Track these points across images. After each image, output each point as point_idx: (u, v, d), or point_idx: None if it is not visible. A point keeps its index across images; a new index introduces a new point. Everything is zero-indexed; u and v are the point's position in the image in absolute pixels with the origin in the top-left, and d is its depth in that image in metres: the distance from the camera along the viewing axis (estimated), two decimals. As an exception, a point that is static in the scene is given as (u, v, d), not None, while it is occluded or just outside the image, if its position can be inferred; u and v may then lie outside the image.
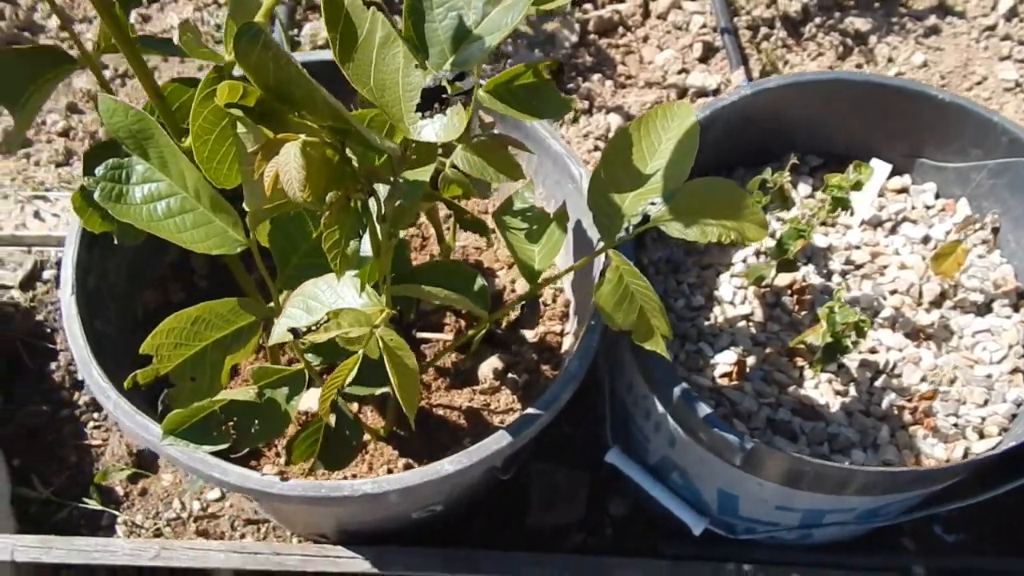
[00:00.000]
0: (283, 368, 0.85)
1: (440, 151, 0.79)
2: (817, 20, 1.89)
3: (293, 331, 0.69)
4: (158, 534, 1.31)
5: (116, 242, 0.85)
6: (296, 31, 1.84)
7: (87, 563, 1.17)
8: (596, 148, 1.72)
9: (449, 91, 0.49)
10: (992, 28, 1.84)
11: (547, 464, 1.38)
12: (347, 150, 0.60)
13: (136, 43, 0.75)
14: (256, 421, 0.84)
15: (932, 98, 1.09)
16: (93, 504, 1.32)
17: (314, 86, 0.55)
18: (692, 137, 0.78)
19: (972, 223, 1.12)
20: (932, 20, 1.86)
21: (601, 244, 0.81)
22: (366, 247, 0.73)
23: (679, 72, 1.84)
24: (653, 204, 0.76)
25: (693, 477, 1.09)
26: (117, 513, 1.32)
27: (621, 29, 1.91)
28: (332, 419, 0.80)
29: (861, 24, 1.87)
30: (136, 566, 1.17)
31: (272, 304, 0.87)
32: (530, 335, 1.18)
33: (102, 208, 0.76)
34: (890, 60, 1.83)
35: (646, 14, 1.94)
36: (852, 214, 1.06)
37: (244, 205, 0.70)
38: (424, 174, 0.77)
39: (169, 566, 1.17)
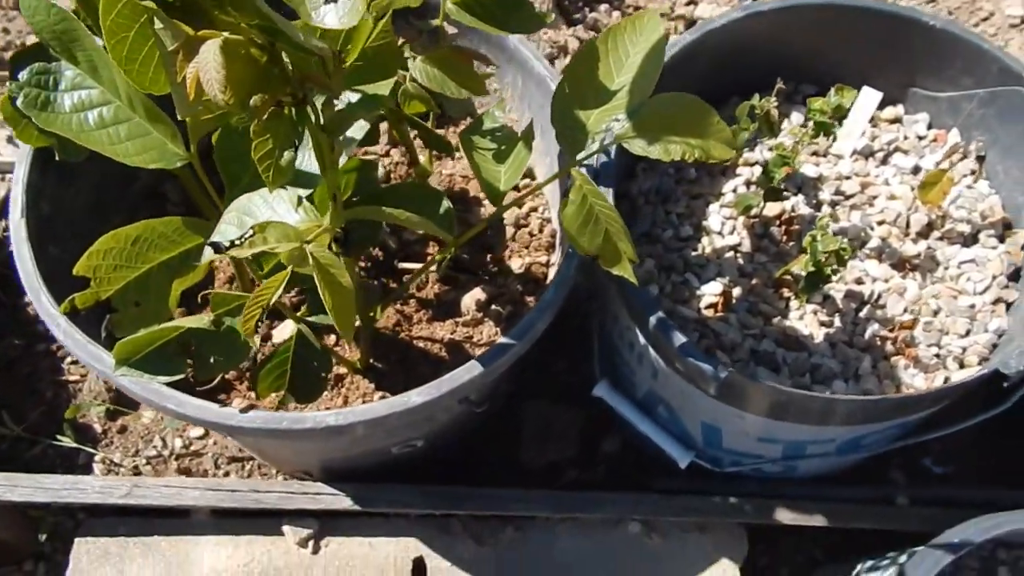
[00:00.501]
0: (241, 295, 0.81)
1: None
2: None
3: (215, 246, 0.67)
4: (137, 473, 1.29)
5: (57, 158, 0.80)
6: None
7: (55, 501, 1.14)
8: (595, 84, 1.70)
9: None
10: (997, -38, 1.79)
11: (539, 401, 1.39)
12: (278, 51, 0.58)
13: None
14: (215, 351, 0.82)
15: (924, 24, 1.06)
16: (68, 442, 1.30)
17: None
18: (659, 51, 0.76)
19: (957, 151, 1.10)
20: (937, -44, 1.81)
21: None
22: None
23: (687, 3, 1.81)
24: (617, 120, 0.74)
25: (677, 410, 1.09)
26: (94, 451, 1.31)
27: (630, -43, 1.87)
28: (256, 341, 0.76)
29: (868, -43, 1.82)
30: (108, 504, 1.15)
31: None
32: (516, 266, 1.17)
33: (39, 117, 0.72)
34: (895, -5, 1.79)
35: (656, -57, 1.90)
36: (834, 140, 1.04)
37: (177, 114, 0.67)
38: (383, 88, 0.75)
39: (142, 504, 1.14)
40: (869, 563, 1.07)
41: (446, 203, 0.86)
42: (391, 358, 1.09)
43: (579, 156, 0.77)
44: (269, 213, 0.72)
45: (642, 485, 1.26)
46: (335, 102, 0.66)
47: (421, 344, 1.10)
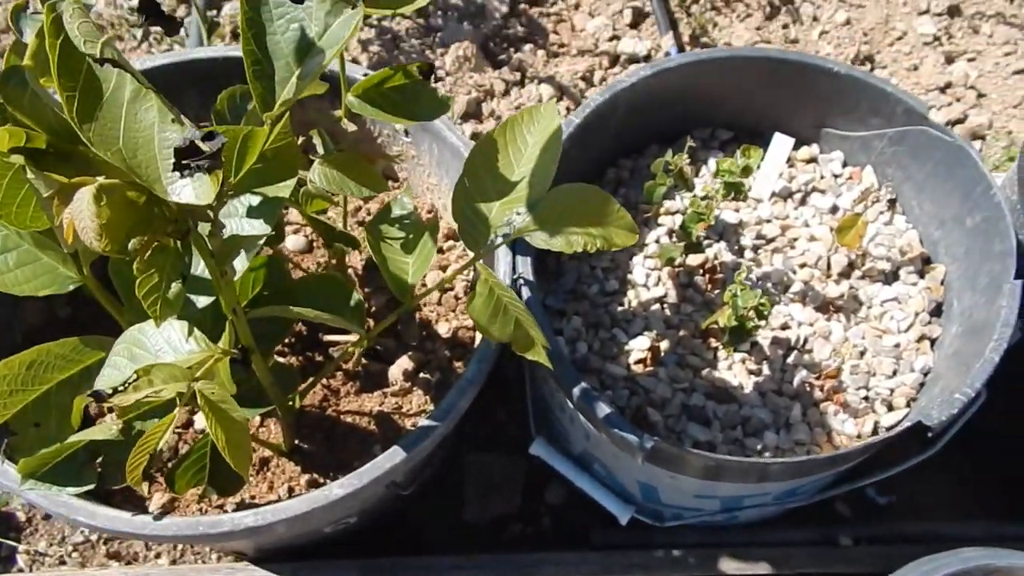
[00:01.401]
0: (150, 399, 0.80)
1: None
2: (744, -19, 1.86)
3: (96, 395, 0.65)
4: (62, 562, 1.25)
5: None
6: (215, 12, 1.78)
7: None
8: (525, 124, 1.69)
9: (203, 149, 0.45)
10: (911, -18, 1.82)
11: (482, 455, 1.37)
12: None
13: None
14: (126, 457, 0.79)
15: (827, 70, 1.07)
16: None
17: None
18: (556, 142, 0.75)
19: (870, 195, 1.10)
20: (853, -24, 1.84)
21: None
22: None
23: (610, 39, 1.82)
24: (518, 213, 0.73)
25: (613, 470, 1.08)
26: (16, 544, 1.26)
27: (552, -2, 1.88)
28: (163, 438, 0.74)
29: (786, -16, 1.85)
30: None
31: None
32: (443, 331, 1.16)
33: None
34: (815, 19, 1.81)
35: (577, -21, 1.91)
36: (746, 198, 1.04)
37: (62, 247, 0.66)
38: (283, 190, 0.73)
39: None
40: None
41: (356, 296, 0.85)
42: (317, 436, 1.07)
43: (482, 250, 0.76)
44: (161, 344, 0.70)
45: (586, 538, 1.24)
46: (219, 232, 0.64)
47: (349, 419, 1.08)
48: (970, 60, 1.75)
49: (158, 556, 1.25)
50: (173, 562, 1.25)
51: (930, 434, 0.87)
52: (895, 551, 1.13)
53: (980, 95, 1.70)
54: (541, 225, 0.72)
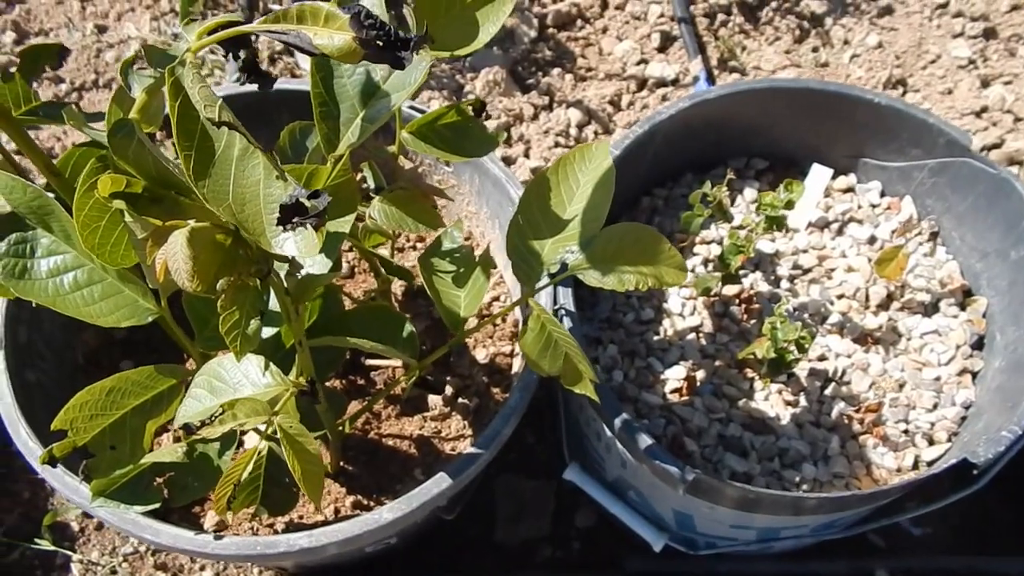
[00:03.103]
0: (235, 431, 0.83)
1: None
2: (773, 4, 1.86)
3: (186, 427, 0.67)
4: (114, 571, 1.29)
5: (34, 305, 0.83)
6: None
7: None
8: (556, 144, 1.70)
9: (307, 207, 0.47)
10: (944, 5, 1.82)
11: (512, 477, 1.38)
12: (241, 231, 0.58)
13: (32, 112, 0.73)
14: (190, 478, 0.83)
15: (868, 101, 1.07)
16: (46, 544, 1.29)
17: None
18: (609, 179, 0.76)
19: (912, 227, 1.11)
20: (885, 0, 1.83)
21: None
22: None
23: (638, 63, 1.82)
24: (571, 252, 0.74)
25: (648, 498, 1.08)
26: (71, 552, 1.30)
27: (580, 21, 1.89)
28: (246, 470, 0.78)
29: (816, 6, 1.85)
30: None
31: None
32: (480, 357, 1.17)
33: (14, 277, 0.74)
34: (846, 42, 1.81)
35: (604, 5, 1.91)
36: (786, 232, 1.04)
37: (148, 283, 0.68)
38: (343, 225, 0.75)
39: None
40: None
41: (408, 327, 0.86)
42: (361, 459, 1.08)
43: (536, 286, 0.77)
44: (239, 377, 0.73)
45: (617, 564, 1.24)
46: (297, 273, 0.66)
47: (390, 442, 1.09)
48: (1006, 83, 1.74)
49: (203, 568, 1.28)
50: (216, 575, 1.27)
51: (975, 471, 0.87)
52: (932, 584, 1.13)
53: (1017, 119, 1.69)
54: (593, 263, 0.73)
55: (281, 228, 0.47)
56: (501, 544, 1.33)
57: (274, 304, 0.80)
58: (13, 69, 0.79)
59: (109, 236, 0.64)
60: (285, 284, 0.64)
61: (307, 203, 0.46)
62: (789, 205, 0.97)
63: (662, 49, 1.84)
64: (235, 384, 0.72)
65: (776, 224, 0.98)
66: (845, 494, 0.88)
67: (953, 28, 1.78)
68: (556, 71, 1.80)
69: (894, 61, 1.76)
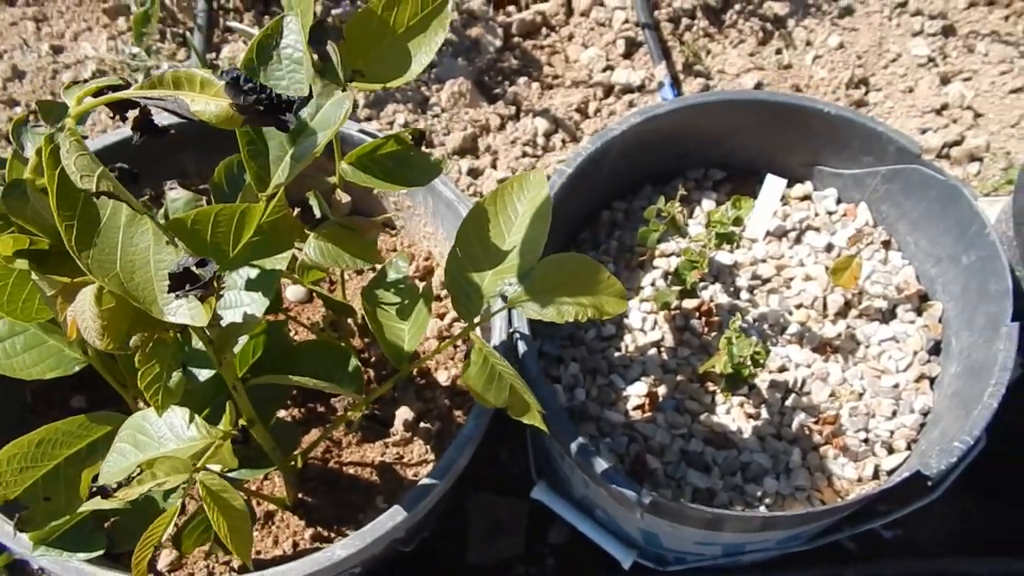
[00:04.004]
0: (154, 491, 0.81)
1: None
2: (737, 7, 1.86)
3: (101, 490, 0.66)
4: None
5: None
6: (215, 54, 1.80)
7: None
8: (524, 154, 1.69)
9: (197, 275, 0.46)
10: (903, 4, 1.82)
11: (485, 496, 1.37)
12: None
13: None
14: (135, 522, 0.81)
15: (819, 111, 1.07)
16: None
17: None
18: (545, 210, 0.75)
19: (866, 235, 1.10)
20: (846, 1, 1.84)
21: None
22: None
23: (604, 70, 1.82)
24: (510, 284, 0.74)
25: (614, 516, 1.08)
26: None
27: (545, 30, 1.88)
28: (166, 532, 0.76)
29: (779, 8, 1.85)
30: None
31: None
32: (442, 379, 1.16)
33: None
34: (808, 44, 1.81)
35: (569, 12, 1.91)
36: (738, 246, 1.04)
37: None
38: (280, 262, 0.74)
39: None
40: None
41: (354, 362, 0.85)
42: (321, 489, 1.07)
43: (475, 320, 0.76)
44: (164, 430, 0.72)
45: (593, 580, 1.24)
46: (218, 323, 0.65)
47: (351, 470, 1.09)
48: (966, 80, 1.75)
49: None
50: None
51: (929, 483, 0.87)
52: (902, 590, 1.13)
53: (977, 115, 1.69)
54: (532, 296, 0.72)
55: (173, 296, 0.47)
56: (475, 564, 1.33)
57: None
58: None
59: (19, 294, 0.63)
60: (208, 334, 0.64)
61: (196, 271, 0.46)
62: (737, 222, 0.97)
63: (627, 55, 1.84)
64: (159, 438, 0.71)
65: (726, 240, 0.98)
66: (805, 511, 0.88)
67: (912, 26, 1.78)
68: (522, 80, 1.79)
69: (856, 61, 1.76)
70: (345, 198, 0.80)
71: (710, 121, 1.12)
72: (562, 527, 1.34)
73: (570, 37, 1.88)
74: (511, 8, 1.89)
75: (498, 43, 1.86)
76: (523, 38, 1.87)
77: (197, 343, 0.77)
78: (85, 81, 0.49)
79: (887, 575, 1.16)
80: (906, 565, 1.18)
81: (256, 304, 0.72)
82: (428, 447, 1.09)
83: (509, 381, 0.73)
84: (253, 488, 1.04)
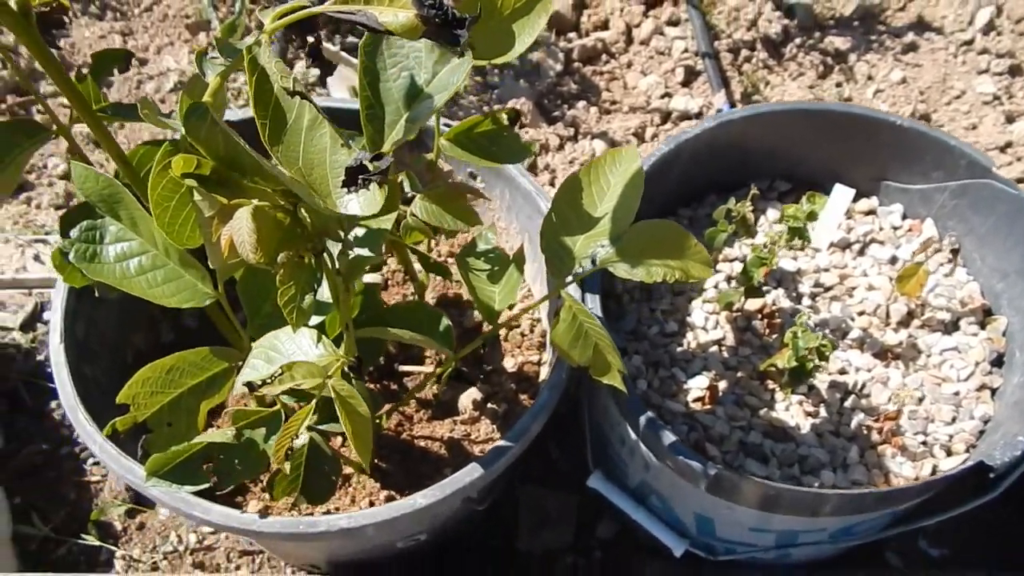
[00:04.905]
0: (260, 410, 0.88)
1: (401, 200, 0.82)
2: (797, 40, 1.91)
3: (249, 384, 0.72)
4: (155, 568, 1.34)
5: (97, 295, 0.88)
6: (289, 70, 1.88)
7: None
8: (583, 174, 1.75)
9: (370, 169, 0.52)
10: (969, 43, 1.86)
11: (535, 488, 1.40)
12: (299, 211, 0.63)
13: (104, 111, 0.78)
14: (236, 461, 0.87)
15: (891, 124, 1.11)
16: (92, 540, 1.35)
17: (260, 157, 0.58)
18: (638, 181, 0.81)
19: (931, 245, 1.14)
20: (910, 37, 1.88)
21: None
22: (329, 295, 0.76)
23: (662, 96, 1.87)
24: (602, 246, 0.78)
25: (670, 501, 1.11)
26: (115, 548, 1.36)
27: (605, 56, 1.94)
28: (286, 466, 0.83)
29: (840, 43, 1.90)
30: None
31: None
32: (509, 365, 1.20)
33: (81, 264, 0.80)
34: (870, 78, 1.86)
35: (629, 40, 1.97)
36: (809, 242, 1.08)
37: (208, 263, 0.73)
38: (386, 222, 0.80)
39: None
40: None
41: (445, 321, 0.91)
42: (394, 458, 1.13)
43: (567, 279, 0.81)
44: (294, 348, 0.78)
45: (638, 572, 1.26)
46: (348, 252, 0.71)
47: (422, 443, 1.13)
48: (1031, 119, 1.77)
49: (238, 568, 1.32)
50: (252, 573, 1.31)
51: (992, 475, 0.89)
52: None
53: (1042, 153, 1.72)
54: (623, 257, 0.77)
55: (345, 190, 0.52)
56: (524, 552, 1.36)
57: (320, 295, 0.85)
58: (85, 71, 0.85)
59: (179, 215, 0.70)
60: (337, 264, 0.69)
61: (370, 165, 0.51)
62: (812, 216, 1.01)
63: (686, 83, 1.89)
64: (289, 355, 0.77)
65: (798, 235, 1.02)
66: (862, 491, 0.90)
67: (978, 64, 1.82)
68: (581, 104, 1.85)
69: (918, 96, 1.80)
70: (447, 166, 0.86)
71: (780, 131, 1.17)
72: (610, 522, 1.37)
73: (629, 64, 1.94)
74: (572, 34, 1.96)
75: (559, 67, 1.92)
76: (583, 64, 1.94)
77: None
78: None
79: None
80: (956, 578, 1.20)
81: (367, 250, 0.77)
82: (495, 426, 1.14)
83: (595, 340, 0.77)
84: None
